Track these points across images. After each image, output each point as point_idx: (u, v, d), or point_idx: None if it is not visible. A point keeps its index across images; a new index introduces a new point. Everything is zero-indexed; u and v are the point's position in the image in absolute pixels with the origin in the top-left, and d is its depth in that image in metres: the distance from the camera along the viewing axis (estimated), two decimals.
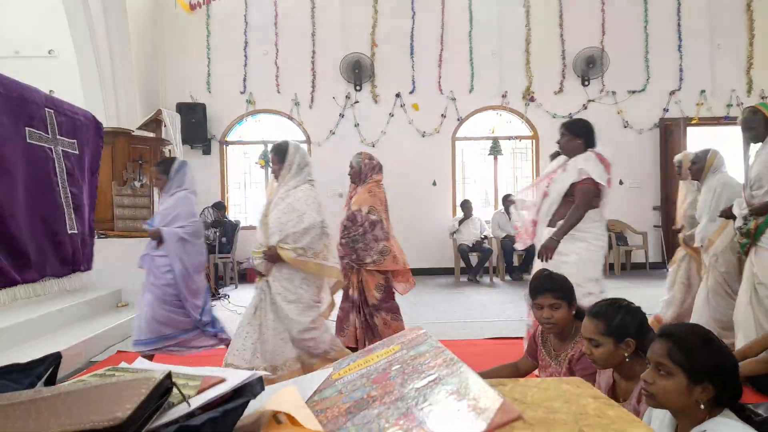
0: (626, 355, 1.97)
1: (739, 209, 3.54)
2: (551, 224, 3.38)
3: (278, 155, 3.39)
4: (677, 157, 4.92)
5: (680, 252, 4.76)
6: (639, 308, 2.06)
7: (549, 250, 3.21)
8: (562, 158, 3.60)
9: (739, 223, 3.51)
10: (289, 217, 3.22)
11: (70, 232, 1.44)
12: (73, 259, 1.47)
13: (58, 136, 1.44)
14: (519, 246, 3.87)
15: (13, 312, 4.36)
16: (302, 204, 3.22)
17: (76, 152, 1.51)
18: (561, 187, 3.39)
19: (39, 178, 1.38)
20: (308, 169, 3.46)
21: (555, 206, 3.40)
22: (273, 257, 3.21)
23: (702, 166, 4.32)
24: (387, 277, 4.02)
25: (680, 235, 4.76)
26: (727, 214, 3.73)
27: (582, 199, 3.29)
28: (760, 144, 3.45)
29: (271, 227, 3.26)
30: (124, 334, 4.67)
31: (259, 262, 3.29)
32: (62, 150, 1.45)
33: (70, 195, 1.46)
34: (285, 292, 3.21)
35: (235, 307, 6.05)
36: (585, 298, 3.06)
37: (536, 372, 2.73)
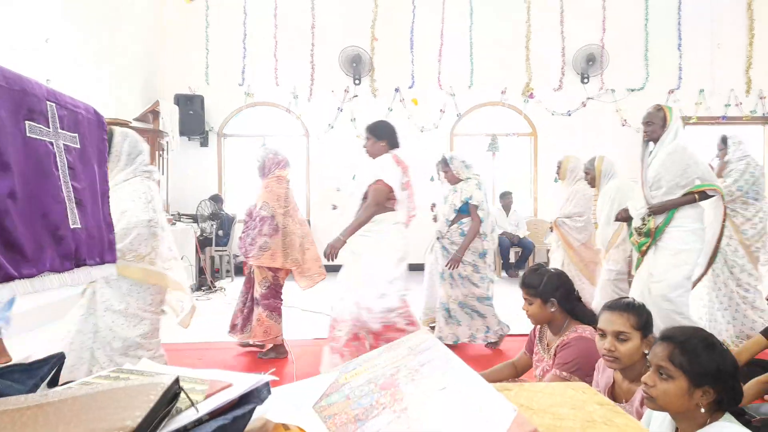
0: (646, 351, 1.93)
1: (635, 210, 3.60)
2: None
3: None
4: (559, 159, 5.08)
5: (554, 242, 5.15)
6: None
7: (333, 248, 3.28)
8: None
9: (637, 223, 3.56)
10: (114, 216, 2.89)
11: (72, 227, 1.42)
12: (76, 254, 1.45)
13: (59, 130, 1.42)
14: None
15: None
16: (126, 201, 2.75)
17: (78, 146, 1.49)
18: (359, 189, 3.49)
19: (39, 173, 1.36)
20: (142, 158, 2.94)
21: (356, 207, 3.49)
22: None
23: (593, 174, 4.60)
24: (276, 275, 4.07)
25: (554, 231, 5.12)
26: (623, 218, 3.82)
27: (371, 199, 3.36)
28: (657, 144, 3.55)
29: None
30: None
31: None
32: (64, 144, 1.43)
33: (72, 190, 1.44)
34: (110, 300, 2.72)
35: (231, 300, 6.02)
36: (379, 300, 3.11)
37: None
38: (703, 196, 3.42)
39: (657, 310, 3.25)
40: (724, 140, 4.31)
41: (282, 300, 4.17)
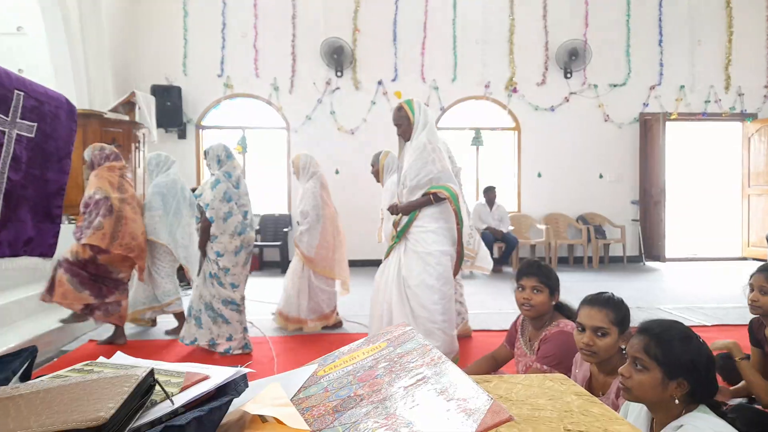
0: (623, 347, 1.97)
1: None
2: None
3: None
4: (292, 158, 5.16)
5: None
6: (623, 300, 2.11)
7: None
8: None
9: (392, 220, 3.54)
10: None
11: None
12: None
13: (18, 120, 1.39)
14: None
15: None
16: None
17: (32, 135, 1.45)
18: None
19: None
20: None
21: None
22: None
23: (377, 168, 4.66)
24: (96, 255, 4.00)
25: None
26: (393, 210, 3.79)
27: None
28: (408, 143, 3.47)
29: None
30: (95, 323, 4.59)
31: None
32: (17, 134, 1.40)
33: (5, 180, 1.40)
34: None
35: None
36: None
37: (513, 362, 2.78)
38: (438, 198, 3.28)
39: (413, 318, 3.19)
40: None
41: (90, 275, 4.05)
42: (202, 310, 3.97)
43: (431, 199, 3.24)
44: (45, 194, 1.45)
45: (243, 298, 4.05)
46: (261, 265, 8.43)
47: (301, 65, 8.52)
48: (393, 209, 3.44)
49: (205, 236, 3.94)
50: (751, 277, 2.73)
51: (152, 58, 8.38)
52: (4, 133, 1.35)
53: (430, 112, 3.42)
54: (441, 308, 3.18)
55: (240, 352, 3.98)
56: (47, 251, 1.51)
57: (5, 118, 1.31)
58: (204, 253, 3.99)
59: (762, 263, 2.84)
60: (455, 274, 3.39)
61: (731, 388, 2.78)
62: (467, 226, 3.31)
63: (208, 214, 3.89)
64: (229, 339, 3.96)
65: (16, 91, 1.31)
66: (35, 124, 1.39)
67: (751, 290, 2.66)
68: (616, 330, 2.01)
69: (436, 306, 3.18)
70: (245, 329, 4.05)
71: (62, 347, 4.23)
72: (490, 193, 8.25)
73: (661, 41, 8.80)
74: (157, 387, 0.77)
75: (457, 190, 3.25)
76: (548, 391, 1.07)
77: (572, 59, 8.62)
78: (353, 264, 8.57)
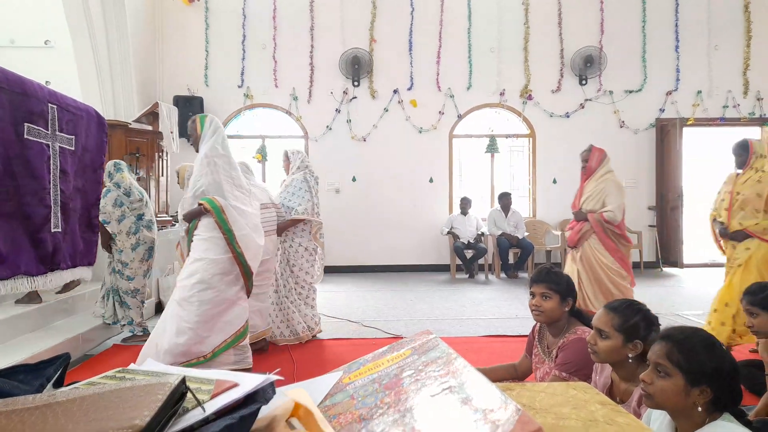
0: (630, 355, 2.01)
1: None
2: None
3: None
4: (176, 168, 5.19)
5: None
6: (656, 318, 2.10)
7: None
8: None
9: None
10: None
11: (53, 230, 1.41)
12: (52, 257, 1.45)
13: (57, 133, 1.42)
14: None
15: (9, 305, 4.35)
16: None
17: (73, 148, 1.49)
18: None
19: (31, 175, 1.36)
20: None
21: None
22: None
23: (180, 179, 4.81)
24: None
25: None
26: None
27: None
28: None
29: None
30: (118, 328, 4.66)
31: None
32: (59, 146, 1.43)
33: (59, 193, 1.43)
34: None
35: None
36: None
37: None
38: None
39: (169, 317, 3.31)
40: (743, 146, 4.25)
41: None
42: (110, 295, 4.53)
43: (202, 209, 3.37)
44: (86, 205, 1.48)
45: (144, 287, 4.61)
46: None
47: (319, 75, 8.61)
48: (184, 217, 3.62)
49: (104, 237, 4.39)
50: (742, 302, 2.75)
51: (175, 70, 8.55)
52: (49, 146, 1.38)
53: (220, 128, 3.57)
54: (197, 310, 3.24)
55: (141, 333, 4.58)
56: (93, 260, 1.55)
57: (46, 131, 1.34)
58: (109, 250, 4.52)
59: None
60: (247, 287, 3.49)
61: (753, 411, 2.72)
62: (243, 234, 3.37)
63: (100, 218, 4.30)
64: (130, 323, 4.54)
65: (50, 105, 1.34)
66: (73, 136, 1.42)
67: (748, 314, 2.69)
68: (620, 336, 2.02)
69: (192, 307, 3.25)
70: (142, 314, 4.62)
71: (87, 352, 4.30)
72: (505, 199, 8.23)
73: (677, 47, 8.73)
74: (189, 394, 0.78)
75: (222, 203, 3.33)
76: (572, 399, 1.07)
77: (587, 66, 8.58)
78: (369, 270, 8.69)
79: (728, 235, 4.15)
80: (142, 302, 4.63)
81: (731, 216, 4.16)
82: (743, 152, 4.23)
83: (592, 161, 4.68)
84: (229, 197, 3.40)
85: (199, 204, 3.37)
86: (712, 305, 4.18)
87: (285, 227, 4.56)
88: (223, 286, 3.33)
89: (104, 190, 4.41)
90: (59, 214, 1.42)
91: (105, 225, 4.38)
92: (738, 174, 4.27)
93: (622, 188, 4.70)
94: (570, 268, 4.65)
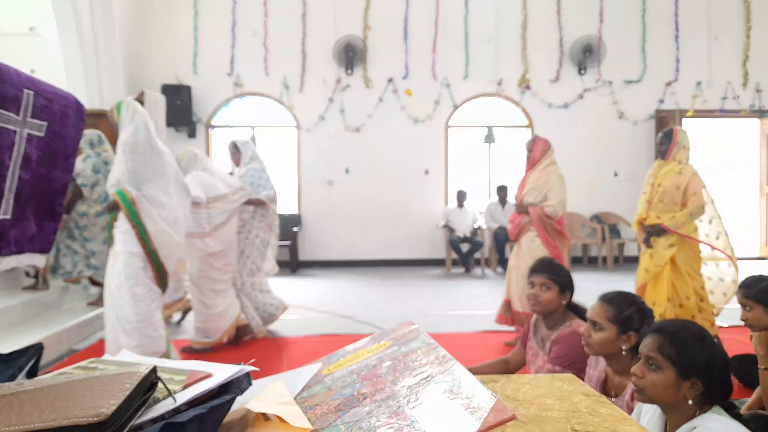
0: (624, 348, 2.00)
1: None
2: None
3: None
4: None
5: None
6: (650, 310, 2.09)
7: None
8: None
9: None
10: None
11: (1, 216, 1.39)
12: None
13: (28, 119, 1.39)
14: None
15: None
16: None
17: (42, 134, 1.46)
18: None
19: None
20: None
21: None
22: None
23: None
24: None
25: None
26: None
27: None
28: None
29: None
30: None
31: None
32: (28, 132, 1.41)
33: (17, 180, 1.41)
34: None
35: None
36: None
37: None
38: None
39: (115, 318, 3.24)
40: (668, 134, 4.14)
41: None
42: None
43: (116, 201, 3.25)
44: (50, 192, 1.46)
45: (101, 252, 4.70)
46: None
47: (312, 63, 8.48)
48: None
49: (74, 196, 4.62)
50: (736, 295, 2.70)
51: (163, 58, 8.39)
52: (16, 132, 1.36)
53: (139, 113, 3.34)
54: (133, 308, 3.17)
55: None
56: (47, 247, 1.53)
57: (17, 117, 1.32)
58: (68, 212, 4.66)
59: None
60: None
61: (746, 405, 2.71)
62: (157, 230, 3.21)
63: (78, 182, 4.67)
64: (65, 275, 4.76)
65: (26, 90, 1.31)
66: (45, 123, 1.40)
67: (742, 307, 2.65)
68: (614, 328, 2.01)
69: (128, 305, 3.18)
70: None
71: (72, 346, 4.28)
72: (502, 192, 8.21)
73: (677, 37, 8.67)
74: (160, 384, 0.77)
75: (134, 194, 3.19)
76: (556, 391, 1.06)
77: (586, 55, 8.52)
78: (363, 264, 8.65)
79: (645, 229, 4.00)
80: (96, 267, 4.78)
81: (650, 208, 4.02)
82: (666, 141, 4.08)
83: (535, 151, 4.45)
84: (146, 187, 3.23)
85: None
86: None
87: (251, 203, 4.39)
88: (149, 280, 3.23)
89: (84, 155, 4.78)
90: (11, 201, 1.39)
91: (81, 187, 4.69)
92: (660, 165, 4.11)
93: (564, 181, 4.45)
94: (511, 263, 4.48)
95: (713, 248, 3.92)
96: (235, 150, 4.72)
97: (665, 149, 4.07)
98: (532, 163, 4.47)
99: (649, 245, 4.00)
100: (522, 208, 4.37)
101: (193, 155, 4.23)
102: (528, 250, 4.29)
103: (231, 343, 4.30)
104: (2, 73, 1.25)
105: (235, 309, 4.26)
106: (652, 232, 3.96)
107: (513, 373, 2.83)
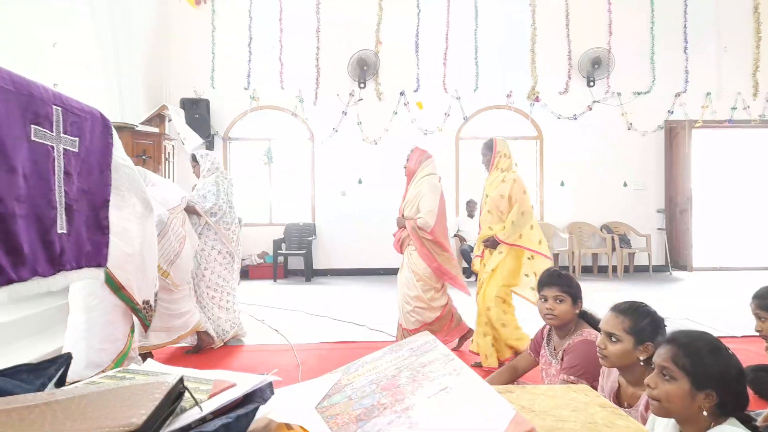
0: (641, 358, 1.98)
1: None
2: None
3: None
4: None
5: None
6: (663, 319, 2.08)
7: None
8: None
9: None
10: None
11: (59, 231, 1.43)
12: (60, 259, 1.46)
13: (62, 134, 1.43)
14: None
15: (13, 306, 4.38)
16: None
17: (77, 150, 1.49)
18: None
19: (39, 177, 1.37)
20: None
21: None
22: None
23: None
24: None
25: None
26: None
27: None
28: None
29: None
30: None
31: None
32: (63, 148, 1.45)
33: (64, 194, 1.44)
34: None
35: (239, 305, 6.04)
36: None
37: (538, 372, 2.76)
38: None
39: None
40: (488, 145, 4.12)
41: None
42: None
43: None
44: (93, 206, 1.49)
45: None
46: (286, 273, 8.51)
47: (325, 77, 8.63)
48: None
49: None
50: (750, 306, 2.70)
51: (181, 72, 8.59)
52: (53, 148, 1.39)
53: None
54: (84, 315, 2.99)
55: None
56: (103, 262, 1.55)
57: (51, 133, 1.35)
58: None
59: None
60: None
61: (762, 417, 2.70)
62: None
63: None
64: None
65: (54, 107, 1.35)
66: (77, 138, 1.43)
67: (756, 318, 2.64)
68: (631, 339, 2.00)
69: (78, 312, 3.01)
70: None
71: None
72: (470, 206, 8.27)
73: (686, 48, 8.68)
74: (187, 394, 0.79)
75: None
76: (572, 402, 1.07)
77: (595, 68, 8.55)
78: (375, 272, 8.68)
79: (484, 242, 3.93)
80: None
81: (483, 221, 3.95)
82: (488, 152, 4.04)
83: (410, 162, 4.28)
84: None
85: None
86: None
87: (189, 211, 4.29)
88: (102, 291, 2.87)
89: None
90: (64, 216, 1.43)
91: None
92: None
93: (438, 191, 4.19)
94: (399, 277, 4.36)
95: (539, 254, 3.85)
96: (195, 162, 4.69)
97: (487, 160, 4.05)
98: (408, 175, 4.34)
99: (483, 244, 3.94)
100: (401, 222, 4.30)
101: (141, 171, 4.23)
102: (408, 262, 4.21)
103: (193, 351, 4.34)
104: (32, 90, 1.28)
105: (195, 316, 4.19)
106: (488, 245, 3.90)
107: (521, 376, 2.83)
